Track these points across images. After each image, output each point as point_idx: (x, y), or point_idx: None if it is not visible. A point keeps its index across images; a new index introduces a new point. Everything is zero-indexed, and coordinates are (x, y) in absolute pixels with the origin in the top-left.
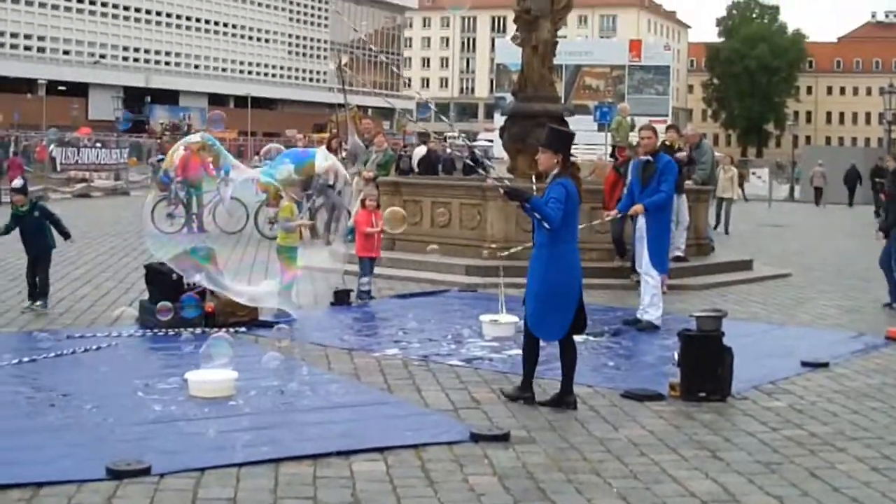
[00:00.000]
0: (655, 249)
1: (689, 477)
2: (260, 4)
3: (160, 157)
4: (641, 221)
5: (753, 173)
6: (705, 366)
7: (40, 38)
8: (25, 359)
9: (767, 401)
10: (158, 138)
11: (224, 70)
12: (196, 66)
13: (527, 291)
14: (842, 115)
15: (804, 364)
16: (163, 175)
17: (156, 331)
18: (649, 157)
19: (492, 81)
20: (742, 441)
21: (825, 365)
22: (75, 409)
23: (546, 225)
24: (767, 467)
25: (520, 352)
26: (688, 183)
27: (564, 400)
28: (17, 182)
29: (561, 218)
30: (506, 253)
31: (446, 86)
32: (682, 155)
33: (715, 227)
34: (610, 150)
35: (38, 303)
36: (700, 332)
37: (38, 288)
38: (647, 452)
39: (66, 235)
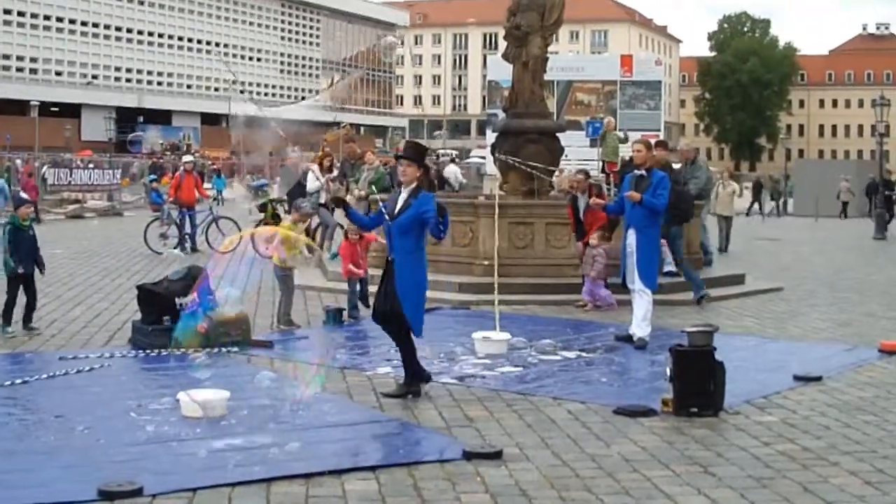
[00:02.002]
0: (645, 266)
1: (681, 493)
2: (252, 24)
3: (153, 177)
4: (632, 238)
5: (746, 187)
6: (697, 381)
7: (32, 60)
8: (18, 380)
9: (760, 415)
10: (159, 158)
11: (217, 89)
12: (188, 86)
13: (403, 298)
14: (834, 127)
15: (797, 378)
16: (154, 195)
17: (148, 351)
18: (643, 172)
19: (484, 98)
20: (734, 456)
21: (818, 379)
22: (67, 430)
23: (442, 235)
24: (760, 482)
25: (512, 368)
26: None
27: (412, 389)
28: (25, 195)
29: None
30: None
31: (438, 103)
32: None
33: (721, 250)
34: (600, 165)
35: (29, 326)
36: (692, 347)
37: (26, 310)
38: (640, 468)
39: (41, 266)
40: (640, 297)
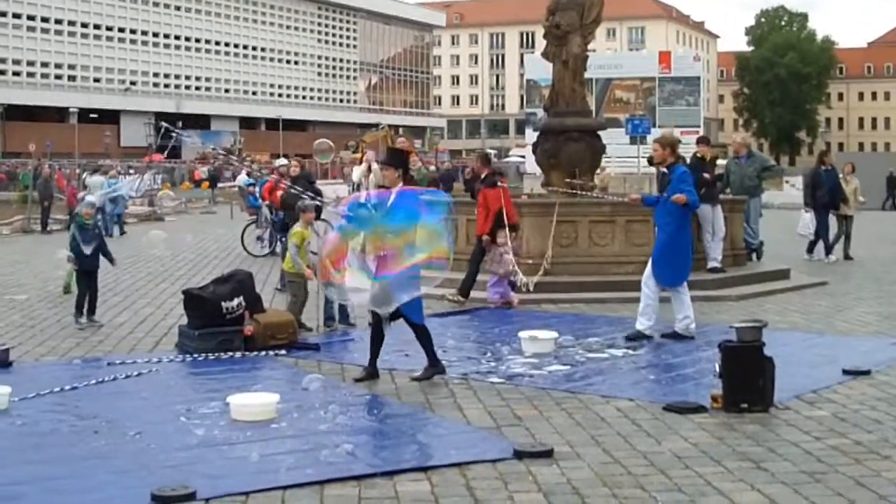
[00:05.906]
0: (660, 263)
1: (734, 489)
2: (288, 27)
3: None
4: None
5: (787, 181)
6: (747, 376)
7: (71, 67)
8: (67, 387)
9: (810, 410)
10: (211, 163)
11: (255, 93)
12: (227, 91)
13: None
14: (874, 120)
15: (846, 372)
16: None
17: (196, 356)
18: (664, 170)
19: (522, 97)
20: (786, 451)
21: (867, 372)
22: (118, 435)
23: None
24: (812, 477)
25: (560, 367)
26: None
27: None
28: (92, 198)
29: None
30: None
31: (476, 103)
32: (708, 175)
33: (827, 254)
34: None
35: (91, 318)
36: (741, 343)
37: (90, 304)
38: (691, 465)
39: (111, 260)
40: (675, 295)
